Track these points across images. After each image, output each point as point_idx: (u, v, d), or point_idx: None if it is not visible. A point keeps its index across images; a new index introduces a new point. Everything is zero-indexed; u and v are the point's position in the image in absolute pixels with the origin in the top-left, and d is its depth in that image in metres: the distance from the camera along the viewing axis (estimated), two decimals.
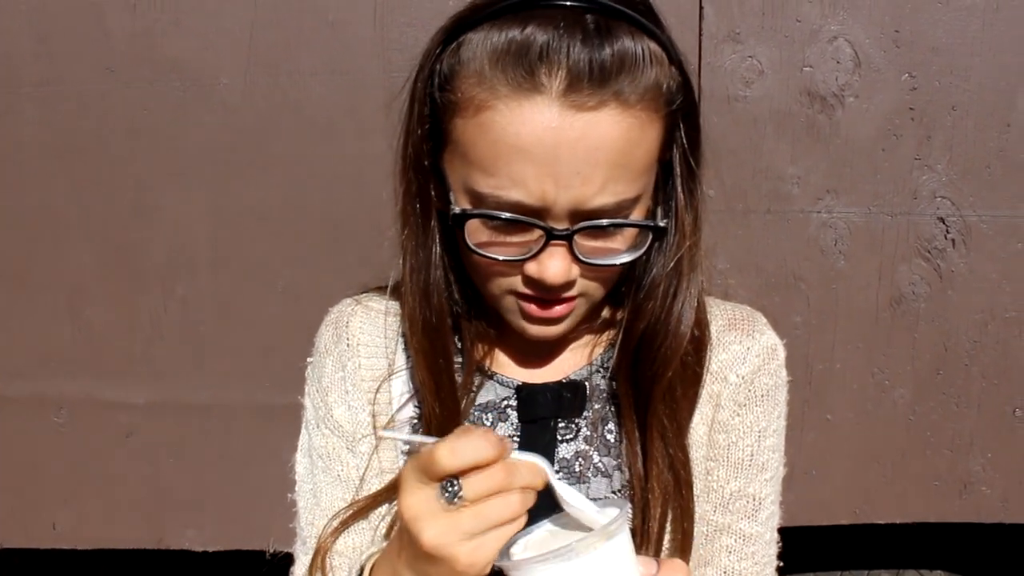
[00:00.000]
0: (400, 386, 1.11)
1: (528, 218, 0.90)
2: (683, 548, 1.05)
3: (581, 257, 0.93)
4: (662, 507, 1.03)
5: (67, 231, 1.89)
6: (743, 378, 1.09)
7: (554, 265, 0.92)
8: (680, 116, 0.97)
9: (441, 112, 0.95)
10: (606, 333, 1.12)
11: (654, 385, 1.03)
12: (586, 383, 1.09)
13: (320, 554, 1.08)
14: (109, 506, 2.01)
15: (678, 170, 1.01)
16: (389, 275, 1.17)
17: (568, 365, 1.12)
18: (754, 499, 1.09)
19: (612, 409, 1.09)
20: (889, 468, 1.87)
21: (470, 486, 0.81)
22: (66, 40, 1.80)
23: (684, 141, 0.99)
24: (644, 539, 1.03)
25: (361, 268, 1.57)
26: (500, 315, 1.03)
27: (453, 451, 0.81)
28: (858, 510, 1.89)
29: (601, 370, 1.10)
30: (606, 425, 1.09)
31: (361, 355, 1.13)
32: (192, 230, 1.87)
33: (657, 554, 1.04)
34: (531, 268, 0.94)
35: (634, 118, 0.89)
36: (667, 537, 1.05)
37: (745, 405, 1.09)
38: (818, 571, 2.52)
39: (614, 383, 1.08)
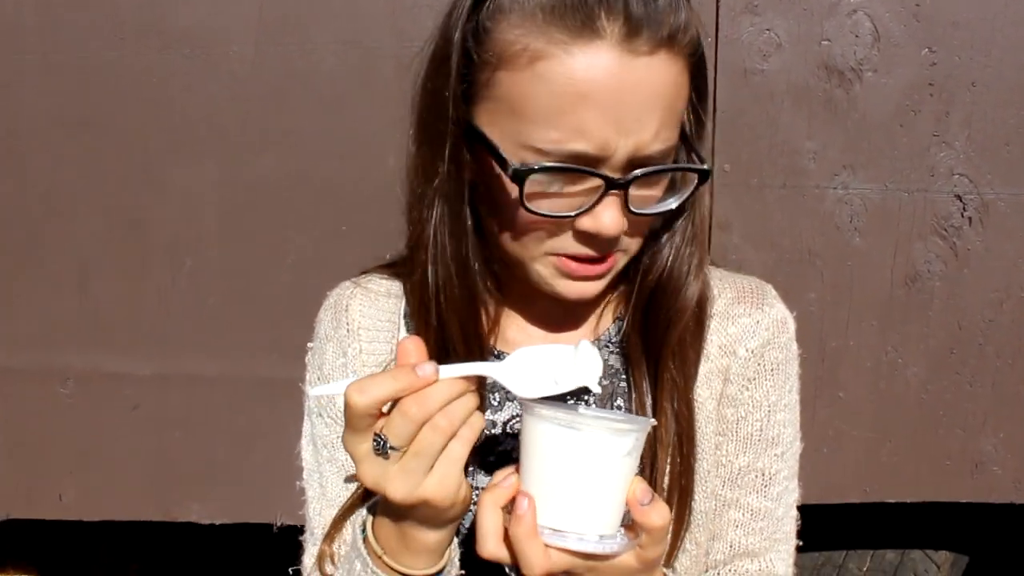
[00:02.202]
0: None
1: (591, 168, 0.89)
2: (681, 504, 1.05)
3: (632, 208, 0.92)
4: (671, 462, 1.03)
5: (74, 203, 1.87)
6: (752, 352, 1.08)
7: (610, 216, 0.91)
8: (698, 69, 0.97)
9: (478, 67, 0.92)
10: (612, 308, 1.12)
11: (667, 335, 1.03)
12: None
13: (323, 557, 1.08)
14: (115, 478, 2.01)
15: (689, 122, 1.00)
16: (396, 251, 1.16)
17: (575, 341, 1.11)
18: (763, 474, 1.09)
19: (622, 382, 1.08)
20: (901, 447, 1.86)
21: (393, 431, 0.83)
22: (72, 8, 1.78)
23: (696, 95, 0.99)
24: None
25: (372, 241, 1.56)
26: (529, 280, 1.01)
27: (360, 389, 0.83)
28: (868, 488, 1.89)
29: (609, 345, 1.10)
30: (615, 401, 1.08)
31: (363, 339, 1.12)
32: (201, 202, 1.85)
33: None
34: (585, 222, 0.92)
35: (679, 63, 0.90)
36: (673, 494, 1.04)
37: (754, 379, 1.08)
38: (822, 551, 2.53)
39: (622, 356, 1.08)
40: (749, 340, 1.09)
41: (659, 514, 0.86)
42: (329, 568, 1.07)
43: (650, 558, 0.89)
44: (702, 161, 0.97)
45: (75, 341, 1.94)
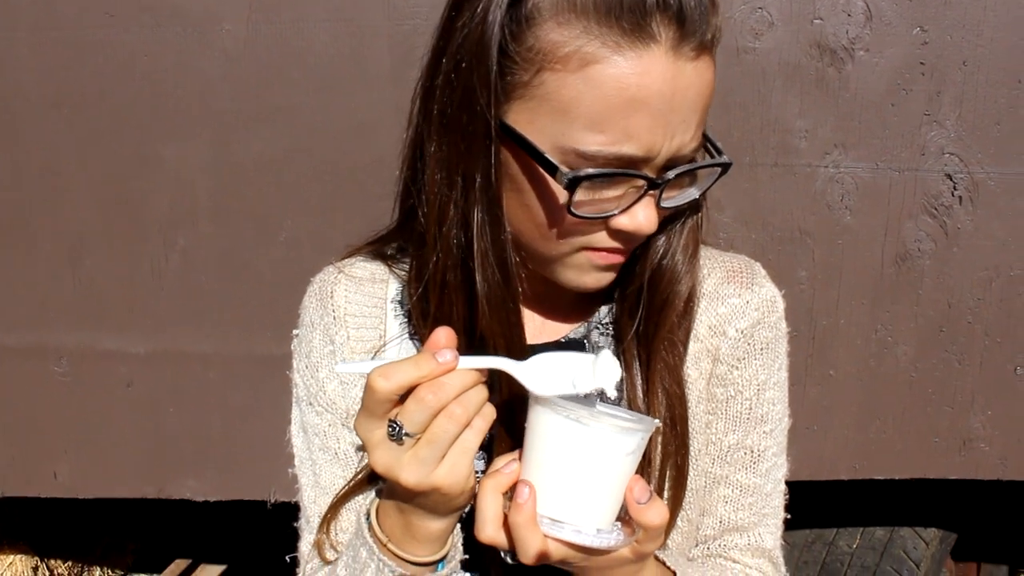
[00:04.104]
0: (394, 355, 1.07)
1: (636, 172, 0.88)
2: (677, 484, 1.06)
3: (662, 203, 0.92)
4: (662, 443, 1.03)
5: (67, 180, 1.87)
6: (742, 332, 1.08)
7: (648, 215, 0.91)
8: None
9: (518, 65, 0.88)
10: (603, 290, 1.12)
11: (660, 319, 1.03)
12: (584, 341, 1.09)
13: (321, 545, 1.08)
14: (110, 456, 2.02)
15: None
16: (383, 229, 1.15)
17: (566, 325, 1.11)
18: (752, 451, 1.09)
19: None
20: (890, 424, 1.88)
21: (408, 419, 0.83)
22: None
23: None
24: (644, 475, 1.04)
25: (363, 219, 1.56)
26: (549, 275, 0.99)
27: (385, 375, 0.83)
28: (857, 465, 1.90)
29: (600, 327, 1.10)
30: None
31: (349, 326, 1.11)
32: (193, 180, 1.85)
33: (659, 493, 1.05)
34: (622, 221, 0.91)
35: (713, 64, 0.90)
36: (666, 474, 1.05)
37: (744, 359, 1.09)
38: (812, 528, 2.55)
39: (613, 338, 1.08)
40: (739, 320, 1.08)
41: (656, 512, 0.87)
42: (330, 555, 1.07)
43: (645, 552, 0.90)
44: (721, 153, 0.97)
45: (69, 320, 1.94)
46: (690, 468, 1.07)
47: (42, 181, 1.88)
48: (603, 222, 0.92)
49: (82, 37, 1.80)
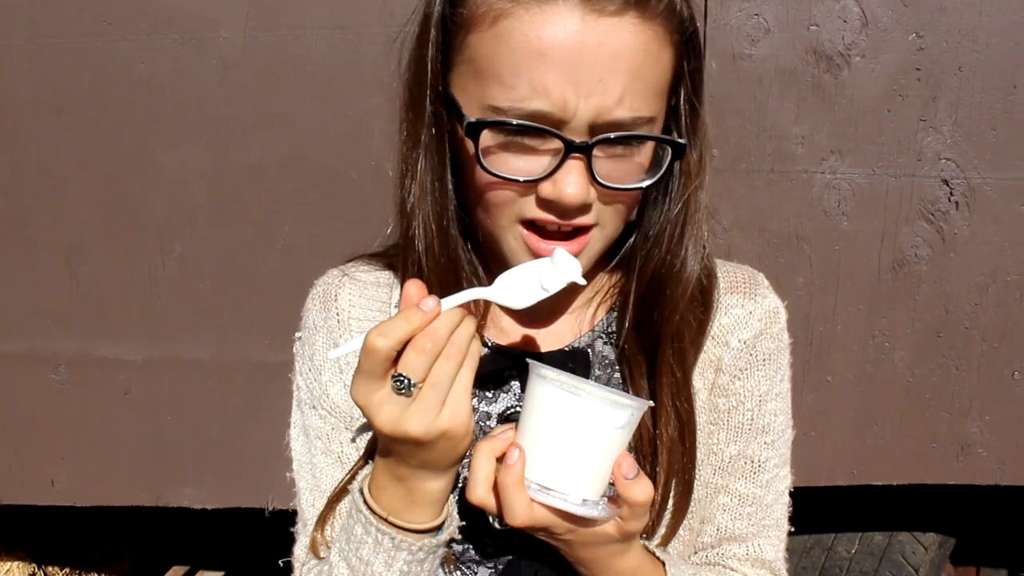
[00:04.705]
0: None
1: (547, 127, 0.88)
2: (684, 494, 1.06)
3: (600, 179, 0.91)
4: (669, 456, 1.03)
5: (64, 187, 1.87)
6: (745, 343, 1.08)
7: (571, 181, 0.90)
8: (688, 50, 0.96)
9: (453, 32, 0.93)
10: (606, 298, 1.12)
11: (663, 329, 1.03)
12: (588, 350, 1.09)
13: (316, 544, 1.08)
14: (108, 463, 2.01)
15: (683, 108, 0.99)
16: (385, 235, 1.15)
17: (569, 333, 1.11)
18: (753, 461, 1.09)
19: (616, 374, 1.08)
20: (887, 430, 1.87)
21: (411, 368, 0.86)
22: None
23: (689, 79, 0.98)
24: (656, 493, 1.03)
25: (361, 225, 1.55)
26: (506, 259, 1.00)
27: (383, 333, 0.85)
28: (856, 471, 1.90)
29: (603, 336, 1.09)
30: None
31: (353, 329, 1.11)
32: (191, 187, 1.85)
33: (663, 504, 1.05)
34: (546, 188, 0.91)
35: (652, 31, 0.88)
36: (671, 485, 1.05)
37: (746, 370, 1.08)
38: (811, 534, 2.54)
39: (617, 347, 1.08)
40: (742, 331, 1.08)
41: (642, 489, 0.88)
42: (324, 552, 1.07)
43: (629, 531, 0.91)
44: (680, 137, 0.95)
45: (66, 327, 1.94)
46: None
47: (40, 188, 1.88)
48: (532, 189, 0.92)
49: (80, 44, 1.80)
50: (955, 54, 1.70)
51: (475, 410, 1.08)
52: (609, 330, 1.10)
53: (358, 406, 0.89)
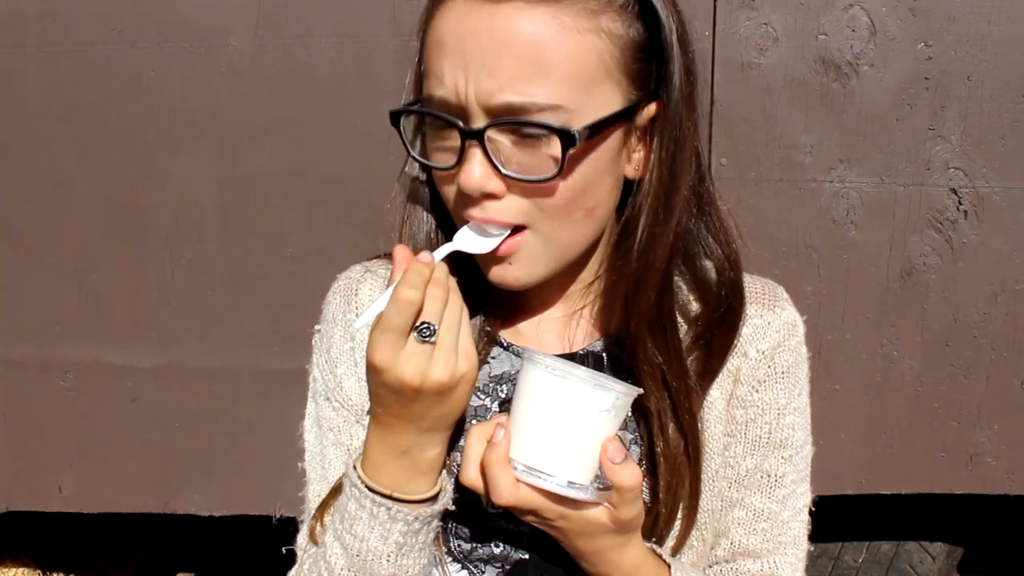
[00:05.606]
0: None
1: (444, 114, 0.92)
2: (691, 507, 1.05)
3: (503, 168, 0.92)
4: (676, 471, 1.03)
5: (73, 195, 1.88)
6: (763, 353, 1.08)
7: (467, 168, 0.92)
8: (647, 57, 0.95)
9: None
10: (618, 308, 1.11)
11: (636, 329, 1.01)
12: (603, 354, 1.09)
13: (315, 531, 1.09)
14: (115, 470, 2.01)
15: (654, 116, 0.98)
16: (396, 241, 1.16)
17: (585, 337, 1.11)
18: (769, 475, 1.08)
19: (630, 380, 1.08)
20: (896, 439, 1.87)
21: (432, 317, 0.90)
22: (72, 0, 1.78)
23: (661, 89, 0.97)
24: (660, 504, 1.03)
25: (370, 234, 1.56)
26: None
27: (410, 284, 0.89)
28: (864, 480, 1.90)
29: (619, 341, 1.09)
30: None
31: None
32: (200, 195, 1.85)
33: (670, 518, 1.04)
34: (459, 177, 0.94)
35: (548, 17, 0.88)
36: (678, 495, 1.05)
37: (765, 381, 1.08)
38: (818, 543, 2.54)
39: (625, 352, 1.08)
40: (760, 341, 1.08)
41: (630, 473, 0.89)
42: (321, 538, 1.07)
43: (623, 519, 0.91)
44: (570, 128, 0.90)
45: (75, 334, 1.95)
46: (707, 489, 1.07)
47: (48, 195, 1.88)
48: (455, 181, 0.96)
49: (89, 53, 1.80)
50: (964, 63, 1.70)
51: (486, 408, 1.09)
52: (620, 335, 1.10)
53: (379, 372, 0.90)
